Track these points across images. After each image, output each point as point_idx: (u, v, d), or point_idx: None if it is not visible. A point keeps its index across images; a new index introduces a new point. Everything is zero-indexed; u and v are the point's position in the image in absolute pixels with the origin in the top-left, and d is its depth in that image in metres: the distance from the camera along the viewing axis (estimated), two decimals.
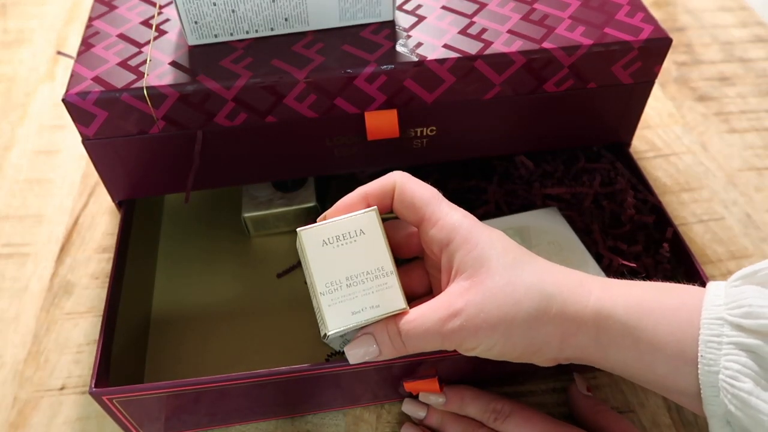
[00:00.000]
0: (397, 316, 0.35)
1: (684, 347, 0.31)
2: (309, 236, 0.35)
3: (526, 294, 0.33)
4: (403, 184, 0.36)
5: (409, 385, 0.42)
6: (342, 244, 0.35)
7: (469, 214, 0.36)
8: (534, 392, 0.46)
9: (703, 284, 0.43)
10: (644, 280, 0.48)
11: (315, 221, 0.36)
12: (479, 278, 0.34)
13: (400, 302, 0.35)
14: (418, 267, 0.40)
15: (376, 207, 0.36)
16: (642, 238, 0.50)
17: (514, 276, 0.33)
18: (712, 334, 0.30)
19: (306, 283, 0.36)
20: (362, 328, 0.35)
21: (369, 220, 0.36)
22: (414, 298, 0.40)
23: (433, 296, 0.39)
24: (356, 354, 0.35)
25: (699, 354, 0.31)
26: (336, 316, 0.34)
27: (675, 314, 0.32)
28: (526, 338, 0.34)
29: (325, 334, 0.35)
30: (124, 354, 0.44)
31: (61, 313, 0.51)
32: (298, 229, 0.35)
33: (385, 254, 0.35)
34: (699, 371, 0.30)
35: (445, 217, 0.35)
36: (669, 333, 0.31)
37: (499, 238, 0.35)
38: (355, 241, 0.35)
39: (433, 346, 0.35)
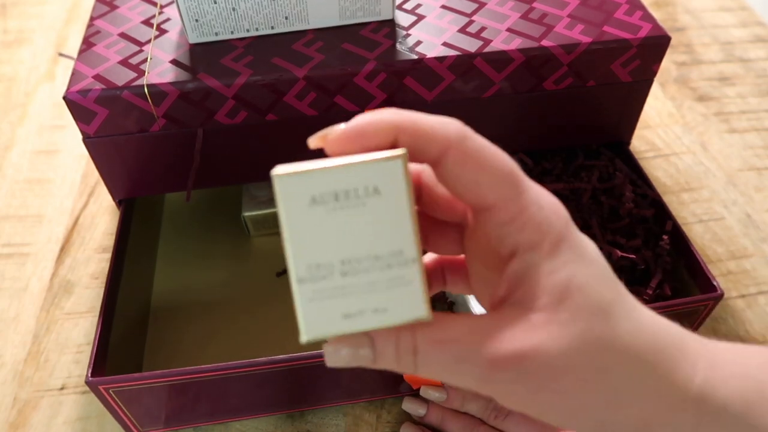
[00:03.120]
0: (416, 325, 0.23)
1: None
2: (290, 186, 0.22)
3: (617, 361, 0.23)
4: (469, 141, 0.23)
5: (409, 377, 0.42)
6: (342, 207, 0.22)
7: (561, 206, 0.25)
8: None
9: (705, 279, 0.44)
10: (644, 272, 0.48)
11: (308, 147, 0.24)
12: (557, 317, 0.23)
13: (421, 308, 0.23)
14: (450, 231, 0.27)
15: (405, 151, 0.22)
16: (641, 232, 0.50)
17: (607, 328, 0.23)
18: None
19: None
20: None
21: (390, 173, 0.22)
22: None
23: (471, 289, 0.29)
24: (337, 355, 0.24)
25: None
26: (317, 316, 0.22)
27: None
28: (598, 419, 0.24)
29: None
30: (121, 350, 0.44)
31: (61, 313, 0.51)
32: (273, 172, 0.22)
33: (408, 230, 0.23)
34: None
35: (531, 207, 0.24)
36: None
37: (594, 259, 0.24)
38: (363, 204, 0.22)
39: (460, 384, 0.24)
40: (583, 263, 0.24)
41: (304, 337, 0.22)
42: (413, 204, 0.23)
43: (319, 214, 0.22)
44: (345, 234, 0.22)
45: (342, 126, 0.23)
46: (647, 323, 0.24)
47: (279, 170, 0.22)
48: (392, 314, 0.23)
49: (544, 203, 0.24)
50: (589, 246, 0.25)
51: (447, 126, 0.23)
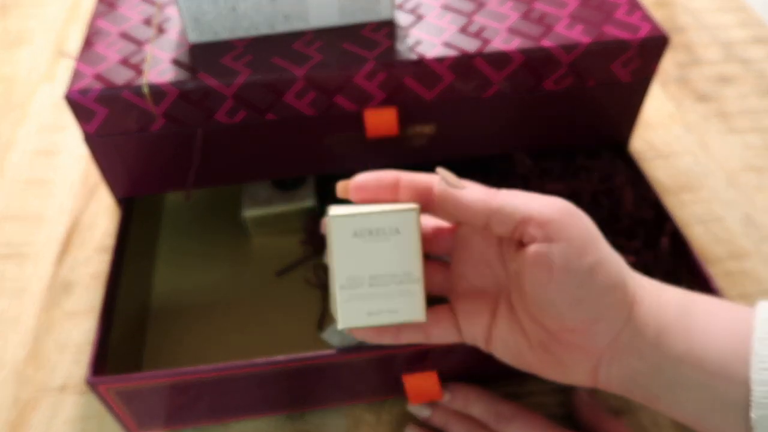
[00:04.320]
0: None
1: (737, 344, 0.30)
2: (340, 224, 0.32)
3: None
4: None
5: (409, 388, 0.42)
6: (373, 240, 0.32)
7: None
8: (534, 392, 0.46)
9: (704, 278, 0.44)
10: (645, 275, 0.49)
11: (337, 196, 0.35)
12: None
13: (420, 313, 0.33)
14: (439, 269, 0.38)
15: (417, 207, 0.33)
16: (641, 233, 0.50)
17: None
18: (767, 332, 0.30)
19: (326, 262, 0.35)
20: None
21: (407, 221, 0.33)
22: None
23: (449, 300, 0.37)
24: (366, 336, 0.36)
25: (753, 351, 0.30)
26: (350, 313, 0.33)
27: (728, 312, 0.31)
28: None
29: (332, 329, 0.35)
30: (121, 350, 0.44)
31: (61, 313, 0.51)
32: (330, 213, 0.32)
33: (416, 259, 0.33)
34: (751, 369, 0.29)
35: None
36: (722, 328, 0.31)
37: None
38: (387, 240, 0.33)
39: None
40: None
41: (340, 326, 0.33)
42: (421, 240, 0.33)
43: (358, 243, 0.32)
44: (374, 258, 0.33)
45: (362, 178, 0.34)
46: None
47: (334, 212, 0.32)
48: (401, 315, 0.33)
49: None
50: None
51: (498, 197, 0.33)
